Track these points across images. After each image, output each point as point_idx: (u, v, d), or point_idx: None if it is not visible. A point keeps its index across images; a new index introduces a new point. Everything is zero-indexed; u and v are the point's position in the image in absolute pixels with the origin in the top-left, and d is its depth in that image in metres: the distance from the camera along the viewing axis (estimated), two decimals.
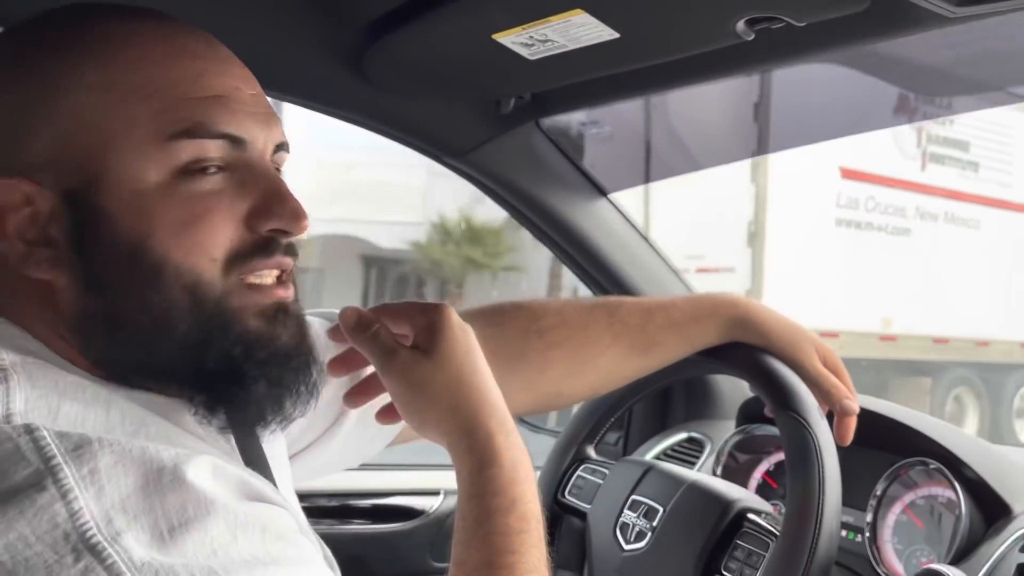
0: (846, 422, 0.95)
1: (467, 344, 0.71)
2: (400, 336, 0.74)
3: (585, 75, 1.05)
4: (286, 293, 0.64)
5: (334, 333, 0.78)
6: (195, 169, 0.59)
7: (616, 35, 0.88)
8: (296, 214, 0.62)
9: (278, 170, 0.66)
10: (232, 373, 0.61)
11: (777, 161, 7.32)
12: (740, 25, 0.83)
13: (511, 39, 0.92)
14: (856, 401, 0.97)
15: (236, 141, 0.61)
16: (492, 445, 0.67)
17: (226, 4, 1.00)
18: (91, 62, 0.59)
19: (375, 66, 1.09)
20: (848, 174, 7.72)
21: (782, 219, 7.53)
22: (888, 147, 7.73)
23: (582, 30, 0.88)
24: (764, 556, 0.91)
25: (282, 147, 0.65)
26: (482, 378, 0.70)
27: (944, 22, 0.78)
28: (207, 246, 0.59)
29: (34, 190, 0.58)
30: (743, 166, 7.20)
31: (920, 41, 0.87)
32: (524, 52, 0.95)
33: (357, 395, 0.81)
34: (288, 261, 0.64)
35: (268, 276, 0.63)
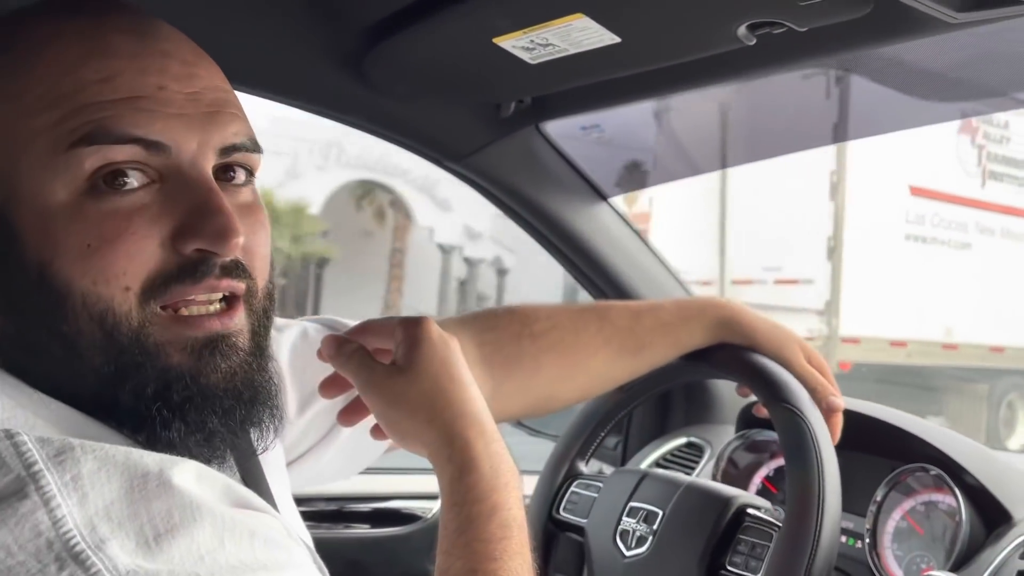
0: (834, 419, 0.96)
1: (445, 355, 0.71)
2: (384, 352, 0.74)
3: (586, 79, 1.05)
4: (225, 324, 0.58)
5: (320, 356, 0.77)
6: (110, 183, 0.54)
7: (617, 39, 0.87)
8: (222, 232, 0.55)
9: (231, 176, 0.60)
10: (143, 414, 0.55)
11: (854, 180, 7.91)
12: (742, 30, 0.82)
13: (512, 43, 0.92)
14: (841, 398, 0.98)
15: (153, 146, 0.55)
16: (470, 453, 0.66)
17: (226, 8, 1.00)
18: (9, 72, 0.55)
19: (376, 70, 1.09)
20: (916, 191, 8.30)
21: (857, 234, 8.08)
22: (952, 166, 8.34)
23: (583, 34, 0.88)
24: (768, 547, 0.91)
25: (236, 148, 0.59)
26: (460, 388, 0.70)
27: (946, 27, 0.78)
28: (117, 273, 0.54)
29: None
30: (822, 185, 7.85)
31: (923, 46, 0.87)
32: (525, 56, 0.95)
33: (350, 414, 0.81)
34: (225, 284, 0.57)
35: (206, 304, 0.57)
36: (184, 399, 0.56)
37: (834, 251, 8.10)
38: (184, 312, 0.57)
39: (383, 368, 0.72)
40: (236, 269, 0.58)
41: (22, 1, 0.60)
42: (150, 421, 0.56)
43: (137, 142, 0.54)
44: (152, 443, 0.56)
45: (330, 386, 0.80)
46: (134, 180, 0.55)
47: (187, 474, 0.51)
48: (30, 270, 0.54)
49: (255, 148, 0.61)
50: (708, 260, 8.43)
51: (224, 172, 0.60)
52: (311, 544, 0.65)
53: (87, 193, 0.54)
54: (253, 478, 0.68)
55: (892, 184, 8.14)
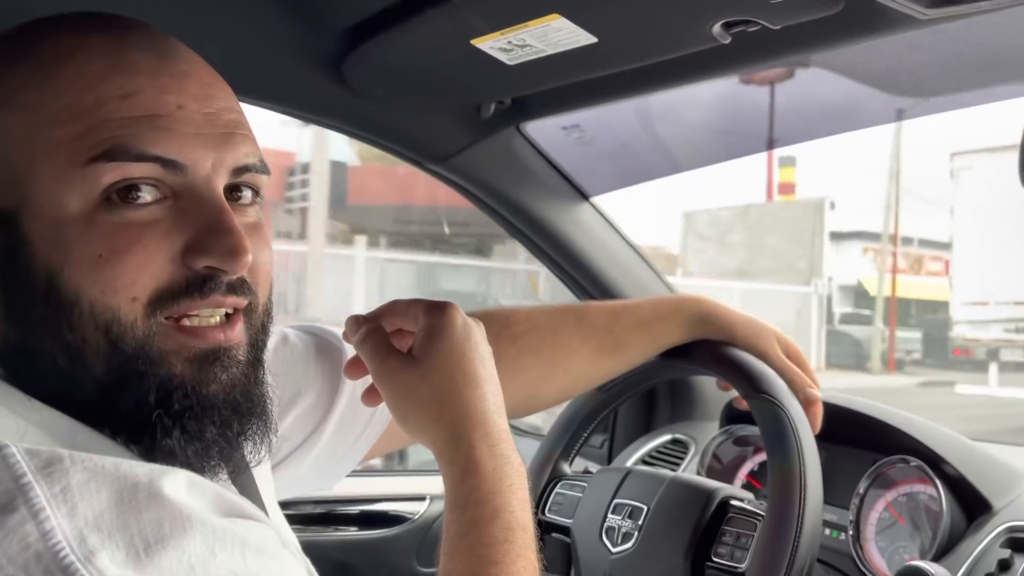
0: (813, 410, 0.98)
1: (463, 349, 0.71)
2: (408, 334, 0.74)
3: (565, 79, 1.06)
4: (227, 336, 0.59)
5: (345, 337, 0.79)
6: (123, 197, 0.55)
7: (594, 39, 0.88)
8: (233, 251, 0.56)
9: (239, 195, 0.61)
10: (144, 422, 0.56)
11: None
12: (716, 28, 0.83)
13: (490, 44, 0.93)
14: (818, 390, 0.99)
15: (170, 164, 0.56)
16: (473, 455, 0.66)
17: (203, 12, 1.00)
18: (30, 82, 0.56)
19: (355, 73, 1.09)
20: None
21: None
22: None
23: (560, 35, 0.88)
24: (753, 537, 0.92)
25: (247, 169, 0.60)
26: (471, 386, 0.69)
27: (916, 24, 0.80)
28: (126, 283, 0.55)
29: None
30: None
31: (895, 42, 0.88)
32: (503, 57, 0.95)
33: (372, 394, 0.80)
34: (231, 301, 0.58)
35: (209, 316, 0.58)
36: (184, 408, 0.57)
37: None
38: (187, 323, 0.57)
39: (397, 357, 0.71)
40: (241, 287, 0.59)
41: (44, 11, 0.60)
42: (150, 429, 0.56)
43: (156, 160, 0.55)
44: (150, 452, 0.56)
45: (351, 368, 0.80)
46: (147, 195, 0.56)
47: (178, 484, 0.51)
48: (39, 277, 0.55)
49: (263, 169, 0.62)
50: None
51: (232, 192, 0.61)
52: (299, 549, 0.65)
53: (100, 205, 0.55)
54: (246, 489, 0.67)
55: None
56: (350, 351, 0.88)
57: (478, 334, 0.73)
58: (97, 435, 0.56)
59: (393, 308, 0.77)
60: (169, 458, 0.56)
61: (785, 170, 20.76)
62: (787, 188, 21.31)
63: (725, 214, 19.15)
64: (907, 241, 21.16)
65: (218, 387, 0.58)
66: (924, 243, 22.19)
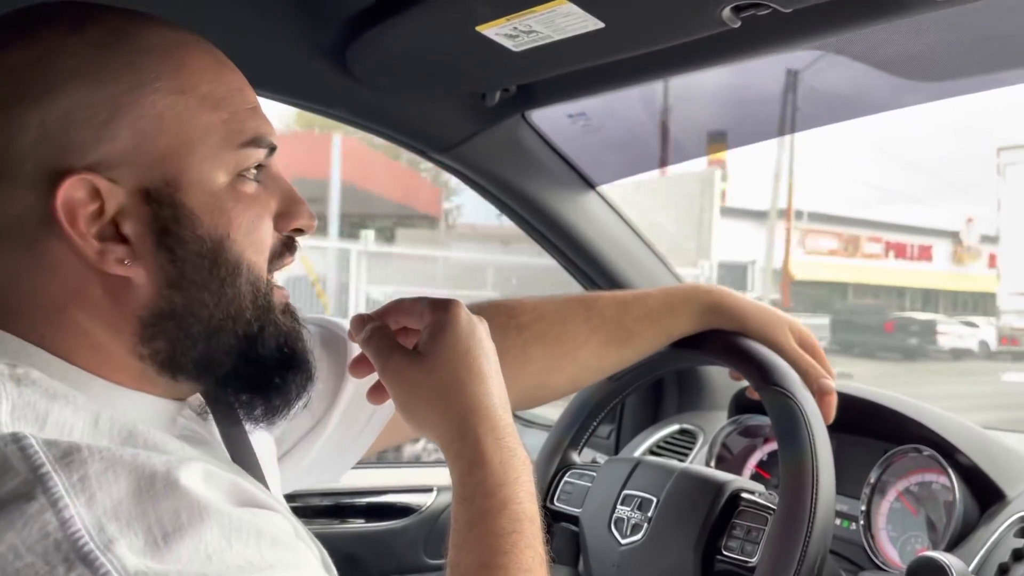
0: (827, 400, 0.96)
1: (468, 345, 0.71)
2: (413, 332, 0.76)
3: (571, 66, 1.04)
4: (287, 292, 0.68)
5: (350, 336, 0.79)
6: (246, 173, 0.63)
7: (601, 24, 0.87)
8: (312, 215, 0.67)
9: None
10: (279, 360, 0.65)
11: None
12: (726, 12, 0.82)
13: (495, 31, 0.91)
14: (833, 380, 0.98)
15: (273, 150, 0.65)
16: (480, 448, 0.67)
17: (205, 2, 0.99)
18: (165, 66, 0.60)
19: (359, 61, 1.08)
20: None
21: None
22: None
23: (567, 20, 0.87)
24: (763, 531, 0.91)
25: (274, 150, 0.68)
26: (476, 381, 0.70)
27: (930, 6, 0.78)
28: (264, 245, 0.64)
29: (106, 186, 0.57)
30: None
31: (908, 25, 0.87)
32: (509, 44, 0.94)
33: (377, 392, 0.81)
34: (290, 261, 0.68)
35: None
36: (295, 349, 0.66)
37: None
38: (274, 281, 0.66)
39: (402, 353, 0.72)
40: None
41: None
42: (281, 366, 0.65)
43: (272, 148, 0.65)
44: (259, 390, 0.65)
45: (357, 366, 0.81)
46: (253, 171, 0.64)
47: (194, 475, 0.51)
48: (206, 243, 0.60)
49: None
50: None
51: None
52: (309, 535, 0.64)
53: (238, 179, 0.62)
54: (243, 456, 0.69)
55: None
56: (355, 348, 0.87)
57: (482, 330, 0.74)
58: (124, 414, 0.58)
59: (398, 306, 0.78)
60: (273, 396, 0.65)
61: None
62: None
63: (617, 192, 18.52)
64: (799, 216, 19.63)
65: (298, 334, 0.67)
66: (815, 217, 21.27)
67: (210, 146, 0.61)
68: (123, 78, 0.59)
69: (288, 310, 0.67)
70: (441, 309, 0.73)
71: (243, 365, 0.63)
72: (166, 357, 0.61)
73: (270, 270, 0.65)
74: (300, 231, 0.67)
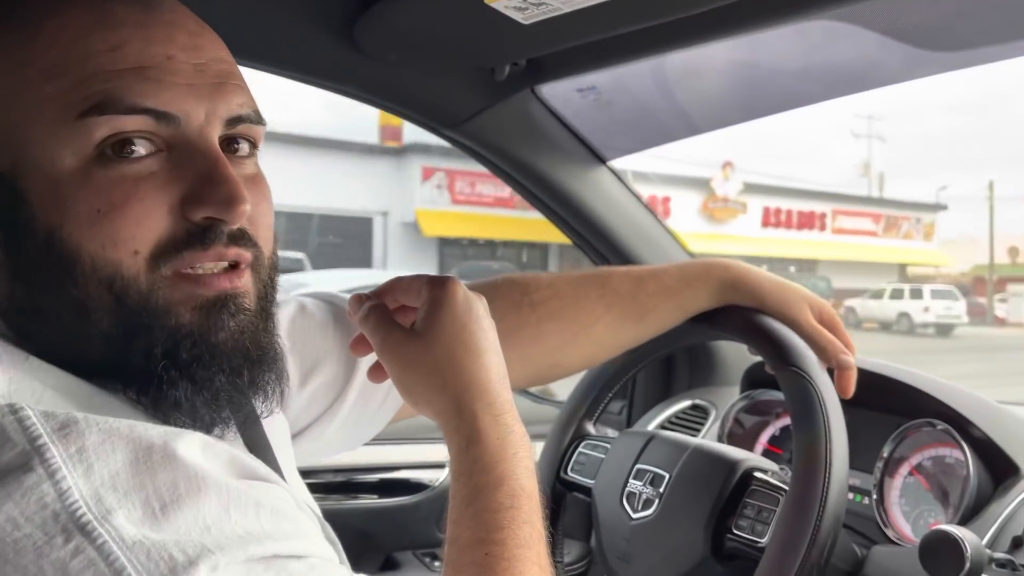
0: (846, 376, 0.96)
1: (465, 322, 0.71)
2: (411, 310, 0.75)
3: (581, 39, 1.03)
4: (234, 284, 0.59)
5: (349, 315, 0.79)
6: (117, 151, 0.55)
7: None
8: (230, 200, 0.56)
9: (236, 147, 0.61)
10: (151, 373, 0.56)
11: None
12: None
13: (504, 3, 0.90)
14: (853, 355, 0.98)
15: (163, 116, 0.56)
16: (476, 425, 0.67)
17: None
18: (15, 40, 0.56)
19: (367, 35, 1.07)
20: None
21: None
22: None
23: None
24: (775, 511, 0.91)
25: (241, 120, 0.60)
26: (472, 358, 0.70)
27: None
28: (126, 238, 0.55)
29: None
30: None
31: None
32: (518, 16, 0.93)
33: (377, 371, 0.81)
34: (233, 252, 0.58)
35: (212, 267, 0.58)
36: (193, 357, 0.57)
37: None
38: (190, 272, 0.57)
39: (399, 331, 0.72)
40: (243, 238, 0.59)
41: None
42: (157, 381, 0.56)
43: (147, 112, 0.55)
44: (158, 403, 0.57)
45: (357, 345, 0.81)
46: (141, 148, 0.56)
47: (192, 446, 0.51)
48: (39, 235, 0.55)
49: (259, 120, 0.62)
50: None
51: (229, 144, 0.61)
52: (319, 514, 0.65)
53: (95, 160, 0.55)
54: (257, 446, 0.68)
55: None
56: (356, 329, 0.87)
57: (479, 307, 0.74)
58: (111, 397, 0.57)
59: (396, 284, 0.78)
60: (176, 409, 0.57)
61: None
62: (392, 133, 17.26)
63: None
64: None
65: (226, 334, 0.58)
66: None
67: (44, 122, 0.54)
68: None
69: (207, 305, 0.57)
70: (438, 287, 0.73)
71: (126, 372, 0.57)
72: (48, 352, 0.56)
73: (172, 265, 0.56)
74: (215, 220, 0.57)
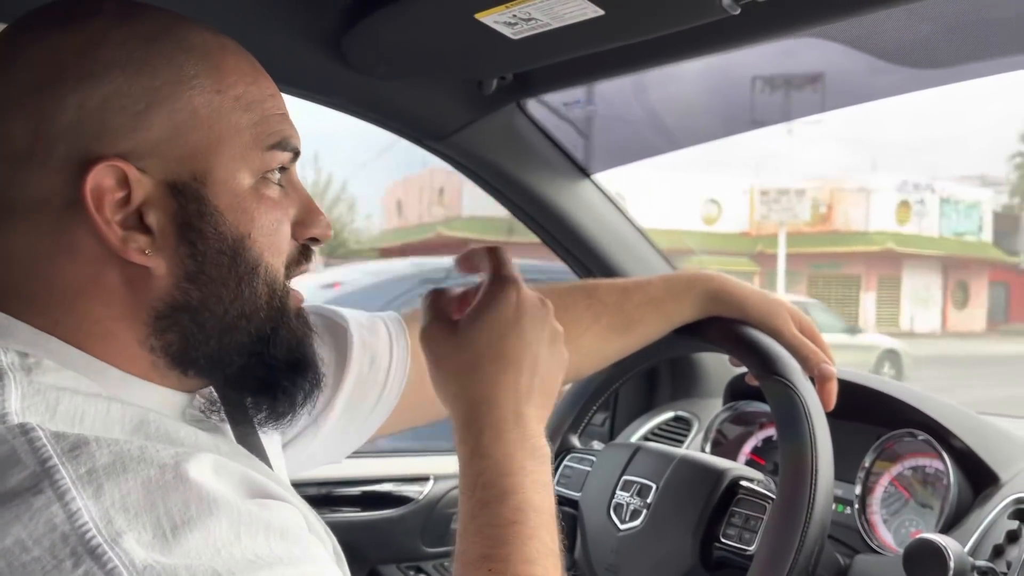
0: (827, 387, 0.97)
1: (504, 332, 0.69)
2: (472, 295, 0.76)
3: (569, 54, 1.04)
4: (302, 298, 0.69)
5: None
6: (270, 177, 0.64)
7: (600, 12, 0.87)
8: (329, 225, 0.68)
9: None
10: (289, 363, 0.65)
11: None
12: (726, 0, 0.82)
13: (494, 18, 0.91)
14: (834, 365, 0.99)
15: (297, 156, 0.66)
16: (482, 440, 0.67)
17: None
18: (204, 66, 0.61)
19: (354, 49, 1.07)
20: None
21: None
22: None
23: (566, 7, 0.87)
24: (762, 519, 0.92)
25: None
26: (499, 369, 0.69)
27: None
28: (282, 248, 0.64)
29: (135, 175, 0.58)
30: None
31: (907, 12, 0.87)
32: (507, 31, 0.94)
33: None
34: (306, 268, 0.69)
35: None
36: (304, 354, 0.67)
37: None
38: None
39: (441, 324, 0.72)
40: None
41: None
42: (289, 370, 0.65)
43: (296, 153, 0.66)
44: (265, 392, 0.65)
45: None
46: (276, 176, 0.65)
47: (204, 467, 0.51)
48: (227, 241, 0.61)
49: None
50: None
51: None
52: (326, 527, 0.65)
53: (261, 181, 0.63)
54: (254, 449, 0.68)
55: None
56: (354, 330, 0.87)
57: (532, 317, 0.71)
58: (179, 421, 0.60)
59: (474, 255, 0.77)
60: (278, 399, 0.65)
61: None
62: None
63: None
64: None
65: (309, 339, 0.68)
66: None
67: (239, 146, 0.62)
68: (163, 72, 0.59)
69: (301, 315, 0.68)
70: (496, 287, 0.71)
71: (253, 365, 0.64)
72: (177, 350, 0.61)
73: (287, 276, 0.66)
74: (316, 240, 0.68)
